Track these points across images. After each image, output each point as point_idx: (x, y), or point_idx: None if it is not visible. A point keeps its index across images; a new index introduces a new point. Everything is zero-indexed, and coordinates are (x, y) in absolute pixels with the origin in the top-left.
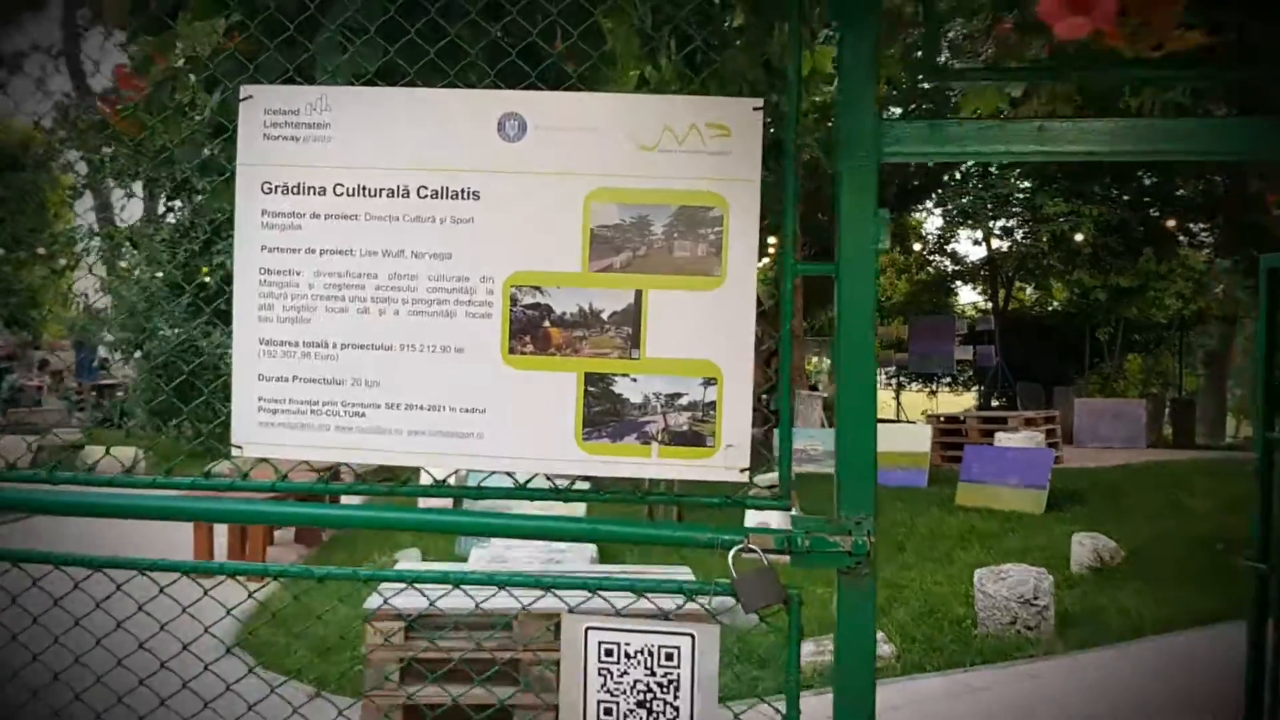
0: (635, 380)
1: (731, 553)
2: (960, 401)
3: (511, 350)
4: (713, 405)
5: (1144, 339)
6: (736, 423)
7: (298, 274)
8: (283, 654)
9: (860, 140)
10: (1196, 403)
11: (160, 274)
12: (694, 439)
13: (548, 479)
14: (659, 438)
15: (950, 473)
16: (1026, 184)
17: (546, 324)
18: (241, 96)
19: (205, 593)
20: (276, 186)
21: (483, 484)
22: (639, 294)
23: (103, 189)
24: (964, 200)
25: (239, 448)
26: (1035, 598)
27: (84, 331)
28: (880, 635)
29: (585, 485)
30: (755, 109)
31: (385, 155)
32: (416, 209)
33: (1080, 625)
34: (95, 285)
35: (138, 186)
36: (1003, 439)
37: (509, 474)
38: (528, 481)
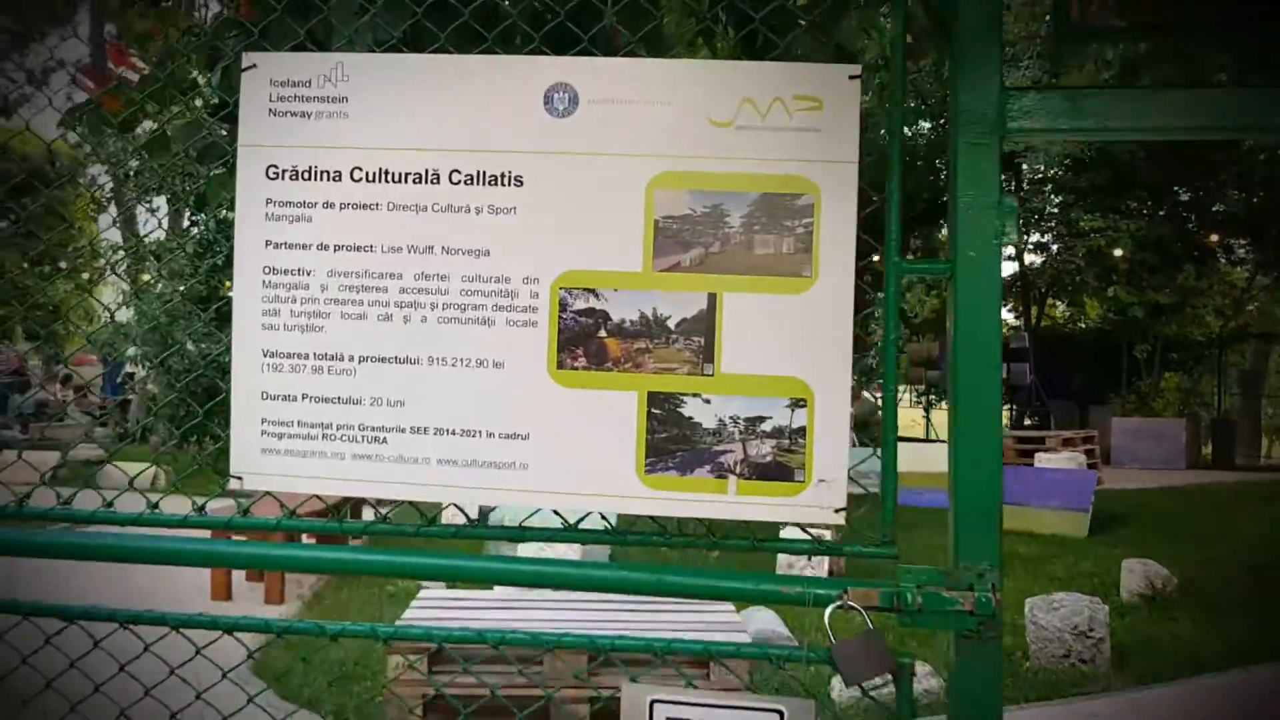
0: (708, 401)
1: (828, 611)
2: None
3: (560, 365)
4: (802, 432)
5: (1181, 357)
6: (831, 453)
7: (308, 274)
8: (299, 681)
9: (981, 114)
10: (1236, 423)
11: (182, 288)
12: (779, 472)
13: (602, 518)
14: (737, 470)
15: None
16: (1059, 198)
17: (602, 334)
18: (244, 65)
19: (198, 650)
20: (284, 171)
21: (525, 524)
22: (712, 298)
23: (128, 203)
24: None
25: (238, 478)
26: (1090, 629)
27: (106, 346)
28: (926, 668)
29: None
30: (851, 77)
31: (412, 134)
32: (449, 197)
33: (1137, 659)
34: (118, 299)
35: (161, 201)
36: (1043, 459)
37: (556, 512)
38: (578, 522)
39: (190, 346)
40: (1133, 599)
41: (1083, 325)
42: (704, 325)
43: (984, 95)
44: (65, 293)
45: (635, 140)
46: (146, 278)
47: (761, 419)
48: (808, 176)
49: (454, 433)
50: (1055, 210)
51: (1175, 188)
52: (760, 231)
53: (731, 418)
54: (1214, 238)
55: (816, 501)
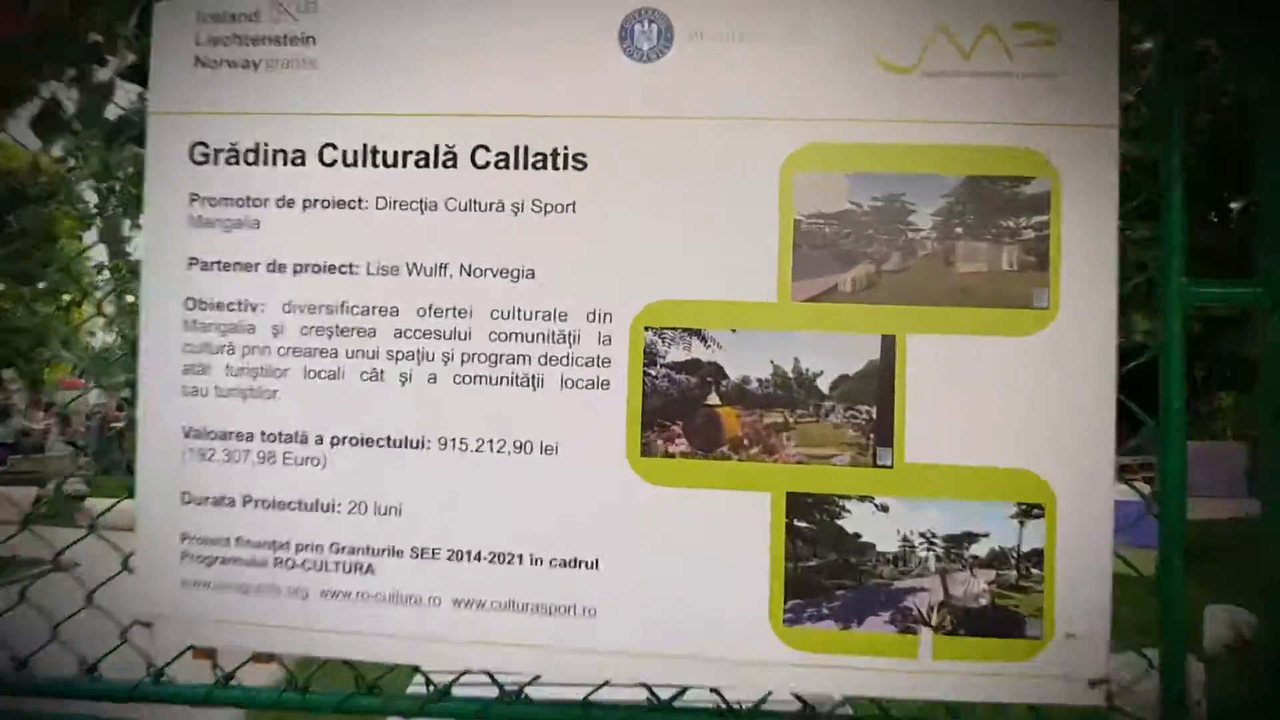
0: (885, 509)
1: None
2: None
3: (647, 449)
4: (1038, 558)
5: (1235, 374)
6: (1085, 592)
7: (254, 308)
8: None
9: None
10: None
11: None
12: (1001, 623)
13: (714, 694)
14: (932, 620)
15: None
16: None
17: (713, 399)
18: None
19: None
20: (218, 151)
21: (592, 699)
22: (890, 343)
23: (112, 220)
24: None
25: (146, 625)
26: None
27: (88, 373)
28: None
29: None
30: None
31: (414, 92)
32: (471, 189)
33: None
34: (103, 322)
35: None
36: None
37: (644, 685)
38: (674, 698)
39: None
40: (1219, 651)
41: (1134, 339)
42: (876, 387)
43: None
44: (44, 316)
45: (761, 96)
46: (131, 299)
47: (971, 537)
48: (1040, 150)
49: (479, 557)
50: None
51: (1225, 193)
52: (964, 237)
53: (923, 535)
54: None
55: (1061, 667)
